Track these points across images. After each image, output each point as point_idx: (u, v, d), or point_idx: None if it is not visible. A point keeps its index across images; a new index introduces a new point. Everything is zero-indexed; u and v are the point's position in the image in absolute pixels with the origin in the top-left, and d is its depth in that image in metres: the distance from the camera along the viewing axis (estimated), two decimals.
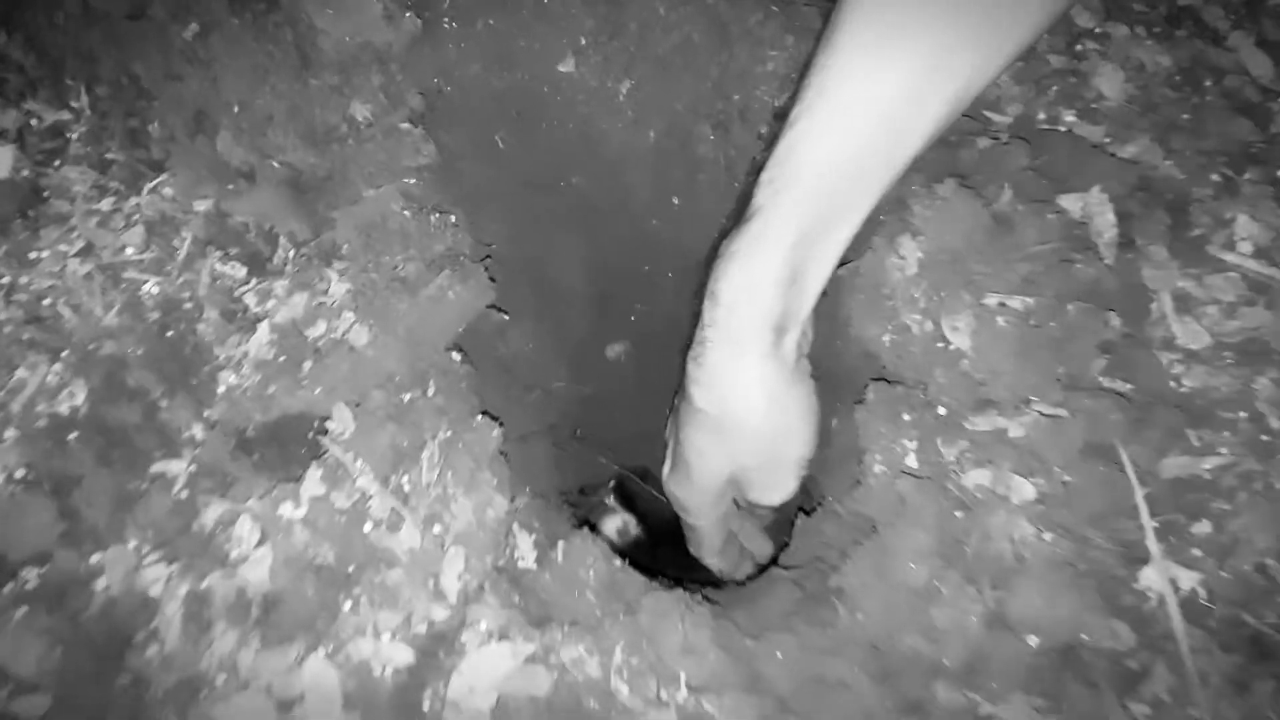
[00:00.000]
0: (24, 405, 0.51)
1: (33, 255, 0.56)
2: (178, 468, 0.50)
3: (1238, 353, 0.52)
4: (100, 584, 0.46)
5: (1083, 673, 0.44)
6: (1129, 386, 0.51)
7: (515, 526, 0.51)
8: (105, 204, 0.58)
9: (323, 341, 0.54)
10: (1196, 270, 0.54)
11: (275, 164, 0.59)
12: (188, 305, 0.55)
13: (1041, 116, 0.61)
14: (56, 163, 0.59)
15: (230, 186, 0.58)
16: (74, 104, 0.62)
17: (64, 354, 0.52)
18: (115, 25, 0.63)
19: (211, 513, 0.48)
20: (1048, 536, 0.46)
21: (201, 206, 0.58)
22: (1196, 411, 0.50)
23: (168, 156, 0.60)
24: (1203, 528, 0.47)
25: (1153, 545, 0.46)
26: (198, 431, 0.51)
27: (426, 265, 0.57)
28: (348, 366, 0.53)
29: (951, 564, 0.46)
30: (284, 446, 0.50)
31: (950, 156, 0.59)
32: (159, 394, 0.52)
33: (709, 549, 0.59)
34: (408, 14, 0.63)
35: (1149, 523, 0.46)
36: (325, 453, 0.50)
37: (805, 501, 0.61)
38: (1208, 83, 0.61)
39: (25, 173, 0.59)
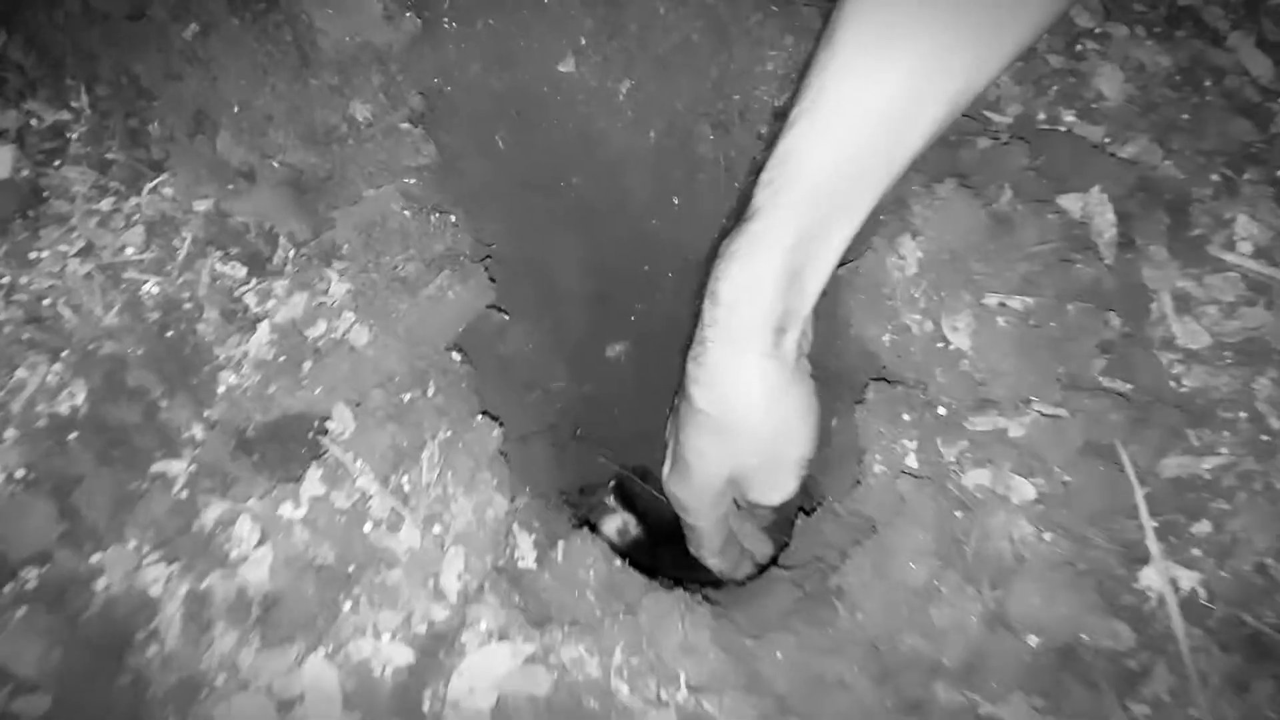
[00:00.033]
0: (24, 405, 0.51)
1: (33, 255, 0.56)
2: (178, 467, 0.50)
3: (1237, 353, 0.52)
4: (100, 584, 0.47)
5: (1082, 672, 0.44)
6: (1129, 386, 0.51)
7: (515, 526, 0.51)
8: (105, 204, 0.58)
9: (323, 341, 0.54)
10: (1196, 270, 0.54)
11: (275, 164, 0.59)
12: (188, 305, 0.55)
13: (1041, 116, 0.61)
14: (56, 163, 0.59)
15: (230, 186, 0.59)
16: (74, 104, 0.62)
17: (64, 354, 0.52)
18: (115, 25, 0.63)
19: (211, 512, 0.48)
20: (1047, 536, 0.46)
21: (201, 206, 0.58)
22: (1196, 411, 0.50)
23: (168, 156, 0.60)
24: (1202, 527, 0.47)
25: (1152, 545, 0.46)
26: (198, 431, 0.51)
27: (426, 265, 0.57)
28: (348, 366, 0.53)
29: (951, 564, 0.47)
30: (284, 446, 0.50)
31: (950, 156, 0.59)
32: (159, 394, 0.52)
33: (709, 549, 0.59)
34: (408, 14, 0.64)
35: (1149, 522, 0.46)
36: (325, 452, 0.50)
37: (805, 501, 0.61)
38: (1207, 83, 0.61)
39: (25, 172, 0.59)
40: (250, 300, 0.55)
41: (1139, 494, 0.47)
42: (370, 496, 0.49)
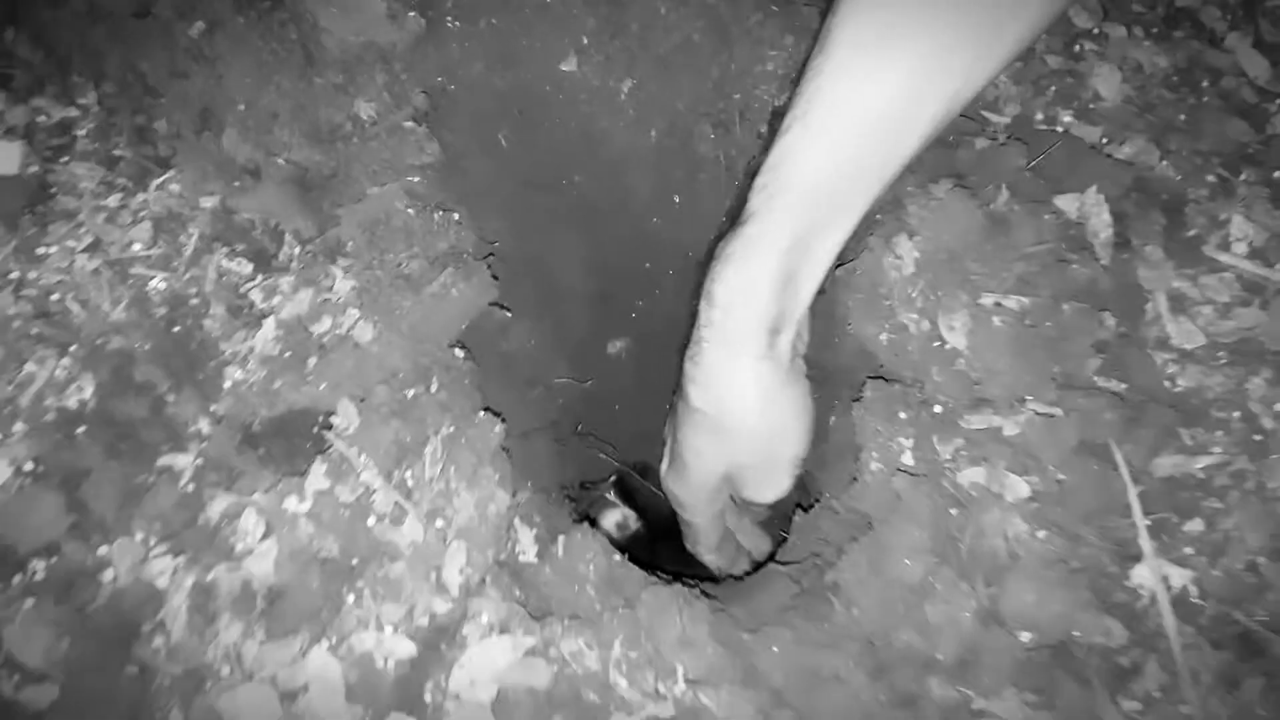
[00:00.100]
0: (33, 399, 0.51)
1: (41, 251, 0.56)
2: (184, 461, 0.50)
3: (1232, 353, 0.52)
4: (107, 576, 0.47)
5: (1075, 669, 0.44)
6: (1123, 386, 0.51)
7: (516, 521, 0.52)
8: (113, 200, 0.59)
9: (327, 337, 0.54)
10: (1191, 270, 0.55)
11: (280, 161, 0.60)
12: (194, 301, 0.55)
13: (1039, 117, 0.62)
14: (64, 159, 0.60)
15: (236, 183, 0.59)
16: (81, 101, 0.62)
17: (72, 348, 0.53)
18: (121, 23, 0.64)
19: (217, 506, 0.49)
20: (1041, 534, 0.47)
21: (208, 203, 0.59)
22: (1190, 411, 0.50)
23: (174, 153, 0.60)
24: (1195, 526, 0.47)
25: (1145, 543, 0.46)
26: (204, 426, 0.51)
27: (430, 263, 0.57)
28: (352, 362, 0.53)
29: (946, 560, 0.47)
30: (289, 441, 0.51)
31: (947, 157, 0.59)
32: (166, 388, 0.52)
33: (706, 545, 0.59)
34: (411, 13, 0.64)
35: (1142, 521, 0.47)
36: (330, 447, 0.51)
37: (803, 498, 0.61)
38: (1205, 84, 0.62)
39: (33, 169, 0.59)
40: (256, 296, 0.56)
41: (1132, 492, 0.47)
42: (374, 491, 0.49)
